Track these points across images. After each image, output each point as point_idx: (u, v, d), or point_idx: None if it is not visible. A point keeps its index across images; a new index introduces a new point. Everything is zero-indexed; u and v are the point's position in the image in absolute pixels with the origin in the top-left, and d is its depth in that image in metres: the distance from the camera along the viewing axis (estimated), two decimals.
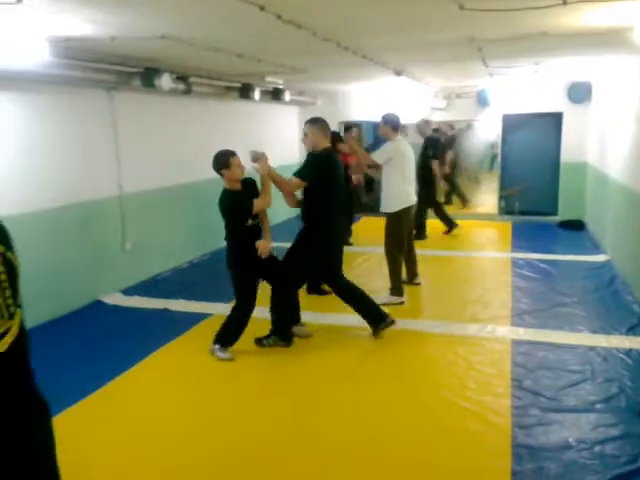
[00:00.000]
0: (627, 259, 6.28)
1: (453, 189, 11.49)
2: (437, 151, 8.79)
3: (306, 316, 5.11)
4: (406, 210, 5.80)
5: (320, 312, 5.49)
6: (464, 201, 11.36)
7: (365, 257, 7.59)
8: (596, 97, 9.12)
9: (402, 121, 5.94)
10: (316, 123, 4.72)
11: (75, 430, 3.46)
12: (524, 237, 8.85)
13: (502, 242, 8.68)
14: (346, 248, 6.72)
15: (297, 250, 4.74)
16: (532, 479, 2.95)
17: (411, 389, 4.03)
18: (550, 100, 9.78)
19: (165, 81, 5.62)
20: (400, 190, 5.74)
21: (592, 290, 6.11)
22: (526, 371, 4.20)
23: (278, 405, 3.84)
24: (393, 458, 3.18)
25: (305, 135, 4.75)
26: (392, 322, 4.89)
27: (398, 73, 6.96)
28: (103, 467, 3.15)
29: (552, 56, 6.14)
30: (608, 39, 4.84)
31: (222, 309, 5.63)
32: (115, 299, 6.08)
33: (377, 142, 8.91)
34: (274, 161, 10.84)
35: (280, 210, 10.90)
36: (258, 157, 4.56)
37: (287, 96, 8.72)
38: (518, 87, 9.81)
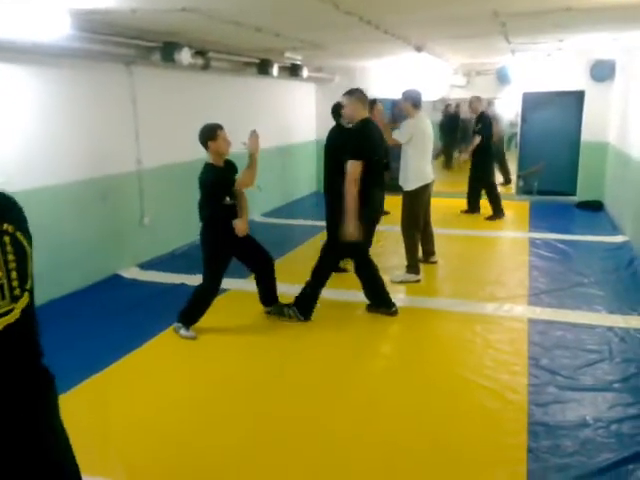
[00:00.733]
0: None
1: (501, 165, 11.06)
2: (489, 129, 8.58)
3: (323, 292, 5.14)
4: (424, 188, 5.77)
5: (336, 289, 5.51)
6: (507, 179, 11.05)
7: (382, 236, 7.57)
8: (619, 75, 8.95)
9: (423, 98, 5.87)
10: (354, 93, 4.65)
11: (91, 402, 3.53)
12: (542, 217, 8.78)
13: (520, 222, 8.61)
14: None
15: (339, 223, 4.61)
16: (548, 456, 2.96)
17: (429, 366, 4.05)
18: (572, 78, 9.60)
19: (185, 55, 5.59)
20: (419, 168, 5.71)
21: (610, 271, 6.06)
22: (543, 350, 4.20)
23: (293, 380, 3.89)
24: (411, 434, 3.22)
25: (343, 107, 4.72)
26: (395, 312, 4.88)
27: (419, 49, 6.87)
28: (118, 437, 3.21)
29: (576, 32, 6.03)
30: (635, 13, 4.73)
31: (238, 285, 5.68)
32: (133, 273, 6.14)
33: (395, 119, 8.81)
34: (292, 138, 10.81)
35: (301, 186, 10.91)
36: (250, 136, 4.48)
37: (305, 72, 8.65)
38: (539, 65, 9.63)
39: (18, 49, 4.43)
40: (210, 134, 4.31)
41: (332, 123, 6.26)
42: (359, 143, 4.54)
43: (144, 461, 3.00)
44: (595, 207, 9.27)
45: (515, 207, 9.23)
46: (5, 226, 1.38)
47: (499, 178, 10.81)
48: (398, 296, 5.24)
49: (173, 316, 4.88)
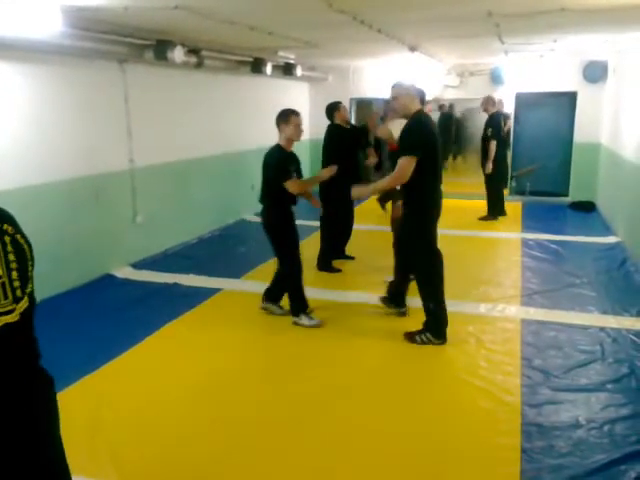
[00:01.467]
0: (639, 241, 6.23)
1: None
2: (499, 131, 8.53)
3: (316, 292, 5.13)
4: None
5: (327, 288, 5.51)
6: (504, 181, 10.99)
7: (372, 235, 7.57)
8: (612, 77, 8.98)
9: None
10: (401, 84, 4.31)
11: (85, 402, 3.50)
12: (534, 218, 8.81)
13: (512, 222, 8.63)
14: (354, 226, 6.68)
15: (410, 231, 4.38)
16: (541, 456, 2.96)
17: (422, 367, 4.05)
18: (564, 79, 9.65)
19: (178, 53, 5.57)
20: None
21: (603, 271, 6.08)
22: (536, 350, 4.20)
23: (286, 380, 3.87)
24: (404, 434, 3.21)
25: (394, 99, 4.29)
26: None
27: (412, 49, 6.87)
28: (110, 437, 3.18)
29: (570, 33, 6.04)
30: (628, 15, 4.74)
31: (232, 284, 5.67)
32: (125, 273, 6.10)
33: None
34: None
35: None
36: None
37: (299, 71, 8.64)
38: (532, 65, 9.67)
39: (9, 46, 4.39)
40: (284, 118, 4.51)
41: (326, 122, 6.28)
42: (416, 138, 4.16)
43: (136, 462, 2.97)
44: (588, 208, 9.31)
45: (508, 208, 9.21)
46: (5, 226, 1.38)
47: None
48: None
49: (166, 316, 4.87)
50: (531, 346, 4.28)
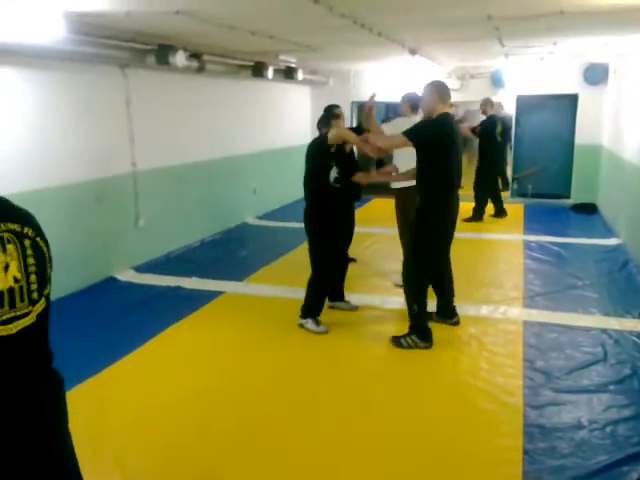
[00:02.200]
0: None
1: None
2: (491, 132, 8.62)
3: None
4: (413, 188, 5.74)
5: None
6: (505, 183, 11.06)
7: (375, 238, 7.58)
8: (612, 79, 9.00)
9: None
10: (431, 84, 4.20)
11: (88, 404, 3.51)
12: (536, 220, 8.81)
13: (514, 224, 8.64)
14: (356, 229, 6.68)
15: (418, 231, 4.35)
16: (544, 457, 2.97)
17: (424, 369, 4.05)
18: (565, 81, 9.66)
19: (180, 58, 5.59)
20: (411, 167, 5.69)
21: (604, 273, 6.08)
22: (538, 352, 4.21)
23: (290, 382, 3.88)
24: (406, 436, 3.21)
25: (422, 99, 4.27)
26: (456, 323, 4.76)
27: (413, 52, 6.89)
28: (114, 440, 3.19)
29: (569, 36, 6.05)
30: (627, 18, 4.75)
31: (235, 288, 5.69)
32: (128, 276, 6.12)
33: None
34: (286, 140, 10.80)
35: (296, 188, 10.84)
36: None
37: (300, 75, 8.66)
38: (533, 68, 9.69)
39: (11, 52, 4.42)
40: (335, 114, 4.73)
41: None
42: (424, 129, 4.10)
43: (140, 464, 2.98)
44: (589, 210, 9.31)
45: (510, 210, 9.24)
46: (26, 230, 1.41)
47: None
48: (395, 299, 5.23)
49: (169, 319, 4.88)
50: (533, 348, 4.28)
